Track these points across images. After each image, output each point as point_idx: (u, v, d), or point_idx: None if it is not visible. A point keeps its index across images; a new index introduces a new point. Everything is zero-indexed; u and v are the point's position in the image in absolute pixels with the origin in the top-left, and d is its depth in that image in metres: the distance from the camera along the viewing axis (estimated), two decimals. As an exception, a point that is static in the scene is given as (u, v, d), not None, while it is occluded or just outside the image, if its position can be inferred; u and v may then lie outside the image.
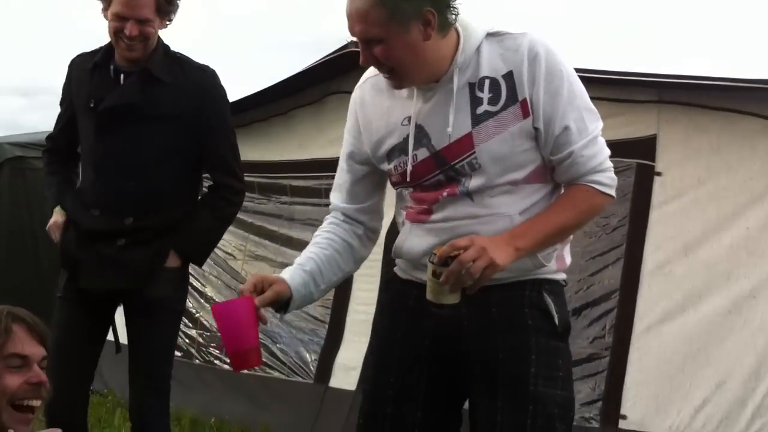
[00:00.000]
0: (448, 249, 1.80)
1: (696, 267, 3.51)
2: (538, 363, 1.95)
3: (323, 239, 2.11)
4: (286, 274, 2.02)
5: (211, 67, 2.99)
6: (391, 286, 2.21)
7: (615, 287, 3.69)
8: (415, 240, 2.02)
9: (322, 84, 4.83)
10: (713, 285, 3.47)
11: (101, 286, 2.92)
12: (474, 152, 1.91)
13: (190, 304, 5.40)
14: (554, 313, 1.99)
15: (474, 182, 1.93)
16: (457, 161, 1.93)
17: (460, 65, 1.93)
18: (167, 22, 2.88)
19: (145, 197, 2.89)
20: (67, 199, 3.04)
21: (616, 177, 1.99)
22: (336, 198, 2.17)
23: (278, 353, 4.89)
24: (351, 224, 2.14)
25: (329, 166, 4.85)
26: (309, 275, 2.03)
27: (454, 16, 1.89)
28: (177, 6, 2.88)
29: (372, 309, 4.39)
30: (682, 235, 3.57)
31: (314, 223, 4.85)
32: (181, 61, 2.95)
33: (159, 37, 2.90)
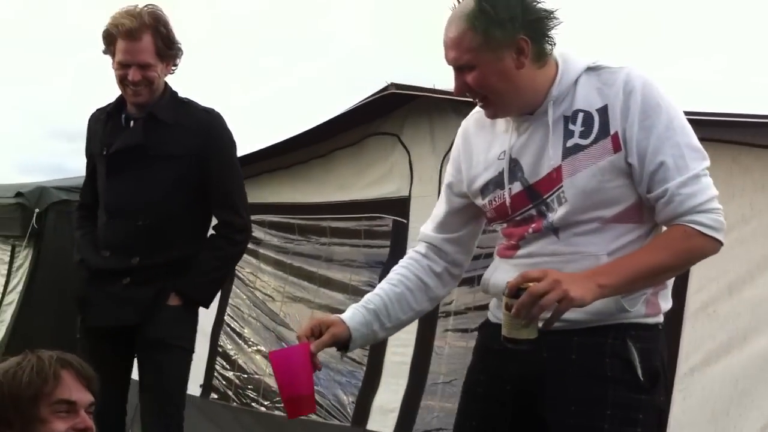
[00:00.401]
0: (519, 280, 1.75)
1: (740, 307, 3.43)
2: (612, 418, 1.84)
3: (396, 275, 2.10)
4: (347, 313, 2.01)
5: (216, 110, 3.08)
6: (482, 330, 2.17)
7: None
8: (500, 275, 1.98)
9: (361, 126, 4.87)
10: (759, 325, 3.38)
11: (104, 323, 3.00)
12: (562, 185, 1.87)
13: (228, 346, 5.42)
14: (637, 363, 1.86)
15: (558, 216, 1.88)
16: (548, 195, 1.90)
17: (555, 98, 1.90)
18: (173, 68, 2.99)
19: (151, 236, 2.95)
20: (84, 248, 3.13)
21: (724, 221, 1.87)
22: (426, 227, 2.17)
23: (316, 395, 4.85)
24: (432, 258, 2.12)
25: (368, 207, 4.96)
26: (372, 314, 2.02)
27: (550, 47, 1.88)
28: (180, 51, 2.99)
29: (409, 351, 4.36)
30: (725, 274, 3.49)
31: (352, 264, 4.86)
32: (186, 104, 3.06)
33: (166, 84, 3.02)
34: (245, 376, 5.26)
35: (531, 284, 1.73)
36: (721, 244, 1.87)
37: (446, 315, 4.26)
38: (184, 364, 3.10)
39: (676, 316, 3.57)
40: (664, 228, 1.92)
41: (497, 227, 2.05)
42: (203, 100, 3.15)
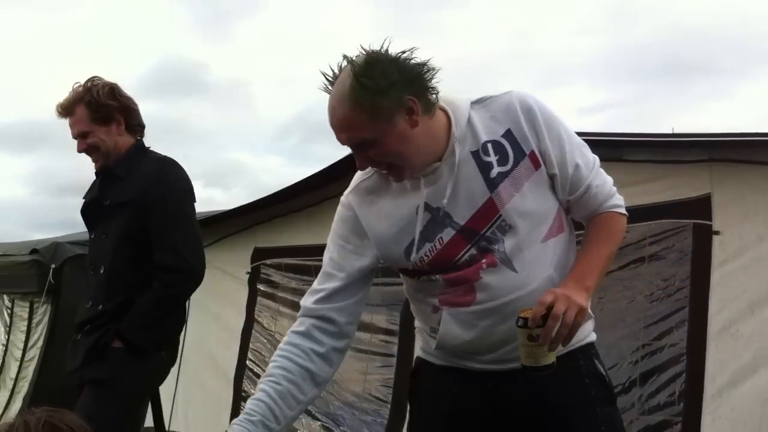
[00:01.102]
0: (540, 308, 1.73)
1: (763, 325, 3.43)
2: None
3: (276, 369, 1.94)
4: None
5: (173, 158, 3.16)
6: (424, 376, 2.08)
7: (681, 351, 3.61)
8: (458, 330, 1.92)
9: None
10: (783, 342, 3.38)
11: (65, 370, 3.12)
12: (500, 214, 1.88)
13: (252, 390, 5.40)
14: (606, 378, 1.97)
15: (509, 244, 1.88)
16: (486, 228, 1.88)
17: (459, 138, 1.89)
18: (122, 127, 3.10)
19: (109, 284, 3.03)
20: None
21: (622, 197, 2.01)
22: (308, 301, 2.01)
23: (343, 437, 4.85)
24: (314, 338, 1.96)
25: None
26: (258, 425, 1.88)
27: (435, 96, 1.86)
28: (120, 108, 3.09)
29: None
30: (746, 293, 3.50)
31: (371, 303, 4.86)
32: (144, 156, 3.15)
33: (136, 142, 3.15)
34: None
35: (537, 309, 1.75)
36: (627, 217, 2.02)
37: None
38: (118, 405, 3.04)
39: (698, 337, 3.57)
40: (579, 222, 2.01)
41: (434, 278, 1.94)
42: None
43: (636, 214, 3.51)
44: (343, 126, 1.83)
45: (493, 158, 1.89)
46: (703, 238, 3.63)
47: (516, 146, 1.90)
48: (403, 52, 1.83)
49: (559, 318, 1.72)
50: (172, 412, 5.86)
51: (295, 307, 5.25)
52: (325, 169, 4.91)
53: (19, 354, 7.67)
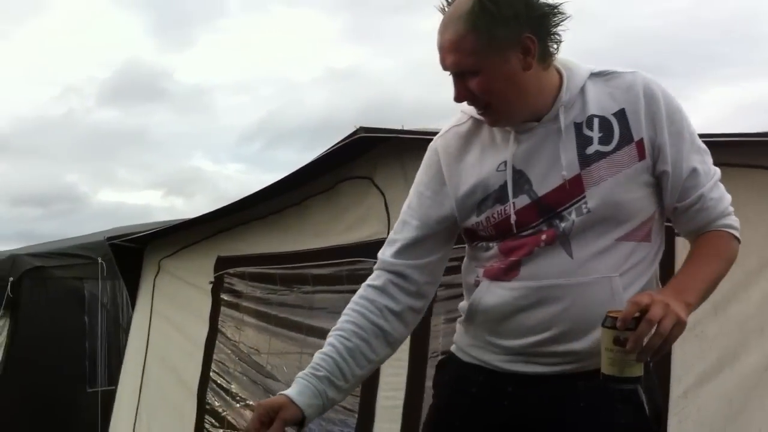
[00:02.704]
0: (633, 308, 1.53)
1: (727, 326, 3.44)
2: None
3: (347, 324, 1.83)
4: (295, 388, 1.77)
5: None
6: (448, 370, 1.96)
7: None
8: (493, 299, 1.79)
9: (332, 172, 4.86)
10: (747, 342, 3.39)
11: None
12: (584, 196, 1.72)
13: (216, 402, 5.34)
14: (646, 404, 1.73)
15: (577, 226, 1.72)
16: (563, 207, 1.73)
17: (565, 103, 1.76)
18: None
19: None
20: None
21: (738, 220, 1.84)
22: (387, 253, 1.89)
23: (309, 446, 4.80)
24: (390, 294, 1.85)
25: (348, 252, 4.93)
26: (324, 381, 1.78)
27: (556, 46, 1.74)
28: None
29: (401, 394, 4.32)
30: (709, 294, 3.51)
31: (338, 311, 4.82)
32: None
33: None
34: (236, 432, 5.18)
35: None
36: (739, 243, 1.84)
37: (436, 354, 4.23)
38: None
39: (664, 339, 3.57)
40: (682, 238, 1.87)
41: (489, 245, 1.83)
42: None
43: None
44: (452, 47, 1.70)
45: (595, 134, 1.74)
46: (667, 239, 3.63)
47: (625, 129, 1.74)
48: None
49: (653, 324, 1.52)
50: (135, 424, 5.78)
51: (261, 316, 5.24)
52: (287, 176, 4.87)
53: (-24, 370, 7.50)
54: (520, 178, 1.77)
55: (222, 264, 5.47)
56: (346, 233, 4.72)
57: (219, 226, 5.49)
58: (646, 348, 1.54)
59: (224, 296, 5.46)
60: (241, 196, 5.16)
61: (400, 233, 1.90)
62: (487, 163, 1.81)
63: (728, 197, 1.82)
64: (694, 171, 1.76)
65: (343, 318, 1.85)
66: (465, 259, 1.94)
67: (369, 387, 4.50)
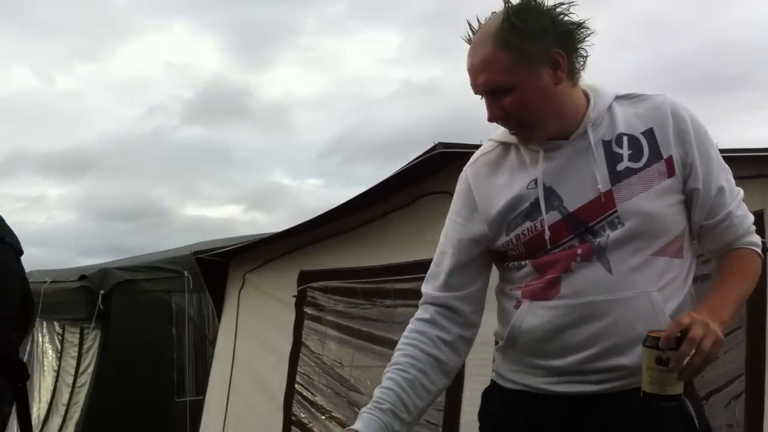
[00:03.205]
0: (675, 328, 1.56)
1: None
2: None
3: (403, 357, 1.86)
4: (361, 422, 1.77)
5: None
6: (493, 400, 1.96)
7: (740, 371, 3.53)
8: (535, 320, 1.80)
9: (412, 187, 4.89)
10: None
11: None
12: (616, 210, 1.75)
13: (302, 414, 5.41)
14: (696, 421, 1.76)
15: (612, 242, 1.74)
16: (595, 222, 1.76)
17: (593, 120, 1.80)
18: None
19: None
20: None
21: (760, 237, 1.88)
22: (430, 287, 1.94)
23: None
24: (441, 325, 1.89)
25: (428, 267, 4.92)
26: (389, 414, 1.79)
27: (582, 61, 1.79)
28: None
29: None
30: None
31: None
32: None
33: None
34: (321, 444, 5.24)
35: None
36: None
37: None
38: None
39: (757, 356, 3.48)
40: (704, 256, 1.91)
41: (522, 264, 1.84)
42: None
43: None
44: (484, 66, 1.74)
45: (625, 152, 1.79)
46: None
47: (654, 147, 1.79)
48: (561, 4, 1.76)
49: (695, 343, 1.55)
50: (222, 434, 5.90)
51: (342, 329, 5.30)
52: (367, 190, 4.91)
53: (70, 380, 7.79)
54: (551, 195, 1.80)
55: (305, 278, 5.55)
56: (426, 248, 4.69)
57: (302, 241, 5.57)
58: (688, 367, 1.56)
59: (307, 310, 5.54)
60: (321, 211, 5.23)
61: (440, 265, 1.94)
62: (517, 183, 1.84)
63: (751, 216, 1.87)
64: (721, 189, 1.81)
65: (398, 353, 1.89)
66: (497, 285, 1.96)
67: (453, 401, 4.50)
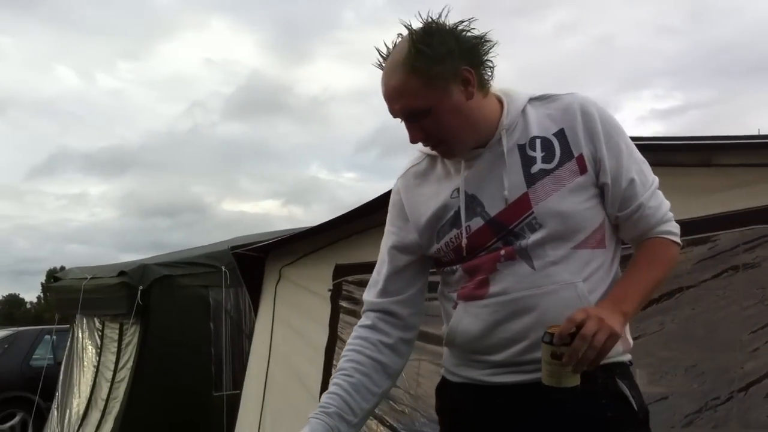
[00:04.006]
0: (568, 325, 1.65)
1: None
2: None
3: (347, 363, 1.98)
4: (308, 428, 1.88)
5: None
6: (444, 394, 2.06)
7: (782, 361, 3.46)
8: (470, 320, 1.90)
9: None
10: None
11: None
12: (533, 211, 1.83)
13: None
14: (632, 399, 1.84)
15: (533, 241, 1.83)
16: (515, 224, 1.84)
17: (507, 126, 1.88)
18: None
19: None
20: None
21: (677, 225, 1.94)
22: (370, 295, 2.06)
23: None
24: (381, 330, 2.01)
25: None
26: (335, 417, 1.91)
27: (490, 72, 1.86)
28: None
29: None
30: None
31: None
32: None
33: None
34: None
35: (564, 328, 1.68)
36: (680, 246, 1.95)
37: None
38: None
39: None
40: (629, 245, 1.95)
41: (455, 269, 1.94)
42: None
43: (728, 220, 3.39)
44: (398, 93, 1.81)
45: (538, 154, 1.86)
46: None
47: (565, 147, 1.86)
48: (462, 22, 1.83)
49: (587, 339, 1.64)
50: (260, 427, 5.92)
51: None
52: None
53: (110, 375, 7.89)
54: (473, 202, 1.89)
55: (340, 272, 5.56)
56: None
57: (337, 235, 5.58)
58: (582, 361, 1.64)
59: (343, 303, 5.55)
60: (357, 204, 5.23)
61: (379, 273, 2.06)
62: (442, 193, 1.94)
63: (667, 204, 1.93)
64: (632, 182, 1.87)
65: (342, 359, 2.01)
66: (439, 287, 2.06)
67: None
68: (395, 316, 2.02)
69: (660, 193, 1.93)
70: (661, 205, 1.92)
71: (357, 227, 5.42)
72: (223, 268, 7.73)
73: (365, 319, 2.04)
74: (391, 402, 5.00)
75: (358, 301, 5.43)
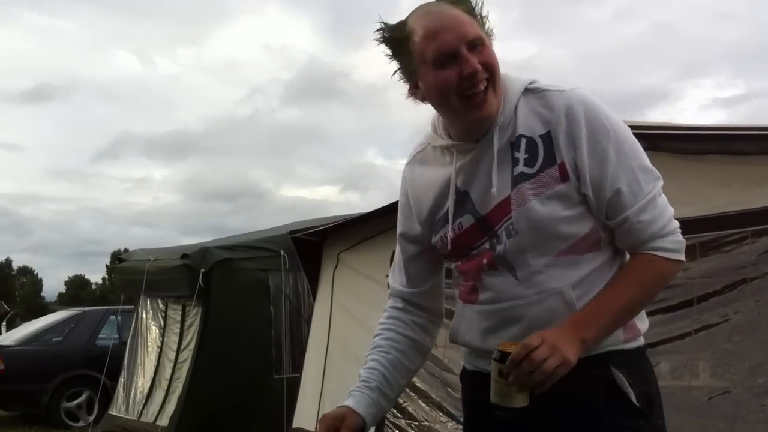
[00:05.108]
0: (522, 351, 1.63)
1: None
2: None
3: (384, 341, 2.02)
4: (352, 400, 1.92)
5: None
6: (463, 380, 2.07)
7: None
8: (467, 325, 1.91)
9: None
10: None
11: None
12: (510, 217, 1.78)
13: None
14: (629, 389, 1.77)
15: (510, 250, 1.78)
16: (498, 226, 1.80)
17: (501, 124, 1.81)
18: None
19: None
20: None
21: (683, 240, 1.80)
22: (395, 281, 2.08)
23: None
24: (411, 311, 2.04)
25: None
26: (376, 391, 1.94)
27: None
28: None
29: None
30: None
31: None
32: None
33: None
34: (416, 423, 5.27)
35: (517, 351, 1.65)
36: (682, 263, 1.81)
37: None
38: None
39: None
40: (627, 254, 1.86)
41: (452, 265, 1.95)
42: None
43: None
44: (460, 21, 1.77)
45: (521, 155, 1.79)
46: None
47: (549, 151, 1.77)
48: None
49: (535, 363, 1.62)
50: (319, 411, 5.99)
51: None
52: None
53: (173, 356, 8.05)
54: (465, 199, 1.85)
55: (398, 258, 5.56)
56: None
57: (394, 221, 5.58)
58: (528, 383, 1.63)
59: (400, 289, 5.55)
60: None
61: (398, 259, 2.07)
62: (440, 183, 1.90)
63: (667, 216, 1.79)
64: (618, 192, 1.75)
65: (377, 337, 2.04)
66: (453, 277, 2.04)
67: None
68: (419, 306, 2.05)
69: (660, 203, 1.79)
70: (656, 218, 1.77)
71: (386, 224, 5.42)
72: (282, 252, 7.81)
73: (394, 302, 2.06)
74: (449, 389, 5.01)
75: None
